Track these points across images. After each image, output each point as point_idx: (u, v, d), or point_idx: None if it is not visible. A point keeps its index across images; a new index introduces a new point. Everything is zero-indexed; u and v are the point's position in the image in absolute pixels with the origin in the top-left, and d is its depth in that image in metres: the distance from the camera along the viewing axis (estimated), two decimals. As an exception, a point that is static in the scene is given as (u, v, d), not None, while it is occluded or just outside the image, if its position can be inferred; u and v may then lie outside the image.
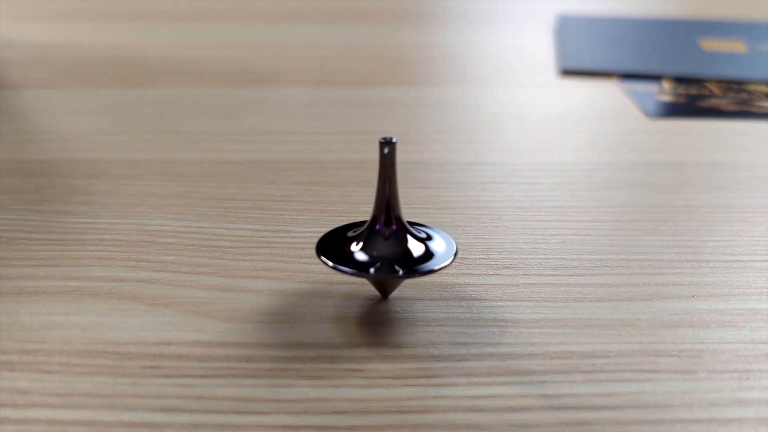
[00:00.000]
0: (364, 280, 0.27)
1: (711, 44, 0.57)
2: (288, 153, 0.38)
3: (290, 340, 0.24)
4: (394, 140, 0.24)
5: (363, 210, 0.32)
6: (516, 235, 0.30)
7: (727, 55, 0.54)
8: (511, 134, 0.41)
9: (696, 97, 0.47)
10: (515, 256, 0.29)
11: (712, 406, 0.22)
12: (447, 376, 0.23)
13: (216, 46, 0.56)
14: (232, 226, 0.31)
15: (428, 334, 0.25)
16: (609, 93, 0.47)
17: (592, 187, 0.35)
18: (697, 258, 0.29)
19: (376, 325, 0.25)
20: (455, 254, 0.25)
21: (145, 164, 0.36)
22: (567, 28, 0.61)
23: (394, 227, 0.25)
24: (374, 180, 0.35)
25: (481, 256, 0.29)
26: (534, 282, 0.27)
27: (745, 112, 0.44)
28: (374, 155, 0.38)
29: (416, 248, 0.25)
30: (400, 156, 0.37)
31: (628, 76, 0.51)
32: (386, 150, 0.24)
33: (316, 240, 0.30)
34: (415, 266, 0.24)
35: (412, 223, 0.26)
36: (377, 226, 0.25)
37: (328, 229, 0.31)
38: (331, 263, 0.24)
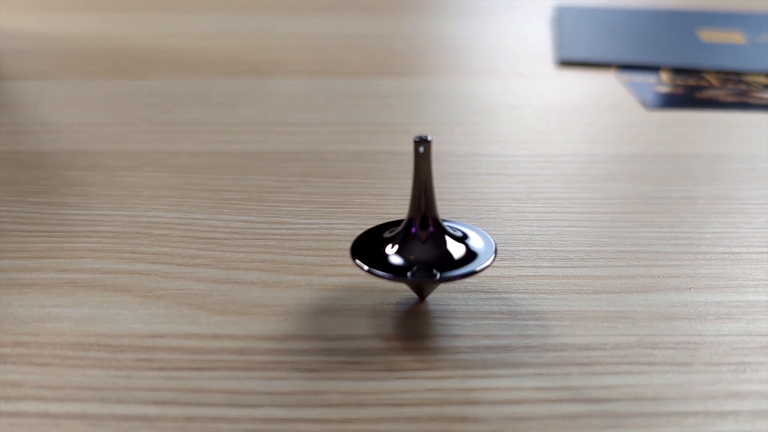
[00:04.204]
0: (362, 274, 0.27)
1: (709, 35, 0.57)
2: (284, 144, 0.38)
3: (284, 332, 0.24)
4: (429, 138, 0.23)
5: (359, 201, 0.32)
6: (512, 227, 0.30)
7: (726, 46, 0.54)
8: (509, 125, 0.40)
9: (694, 89, 0.46)
10: (511, 248, 0.29)
11: (708, 399, 0.22)
12: (442, 369, 0.23)
13: (213, 37, 0.56)
14: (227, 217, 0.31)
15: (423, 326, 0.24)
16: (607, 84, 0.47)
17: (590, 178, 0.34)
18: (695, 250, 0.29)
19: (370, 317, 0.25)
20: (495, 252, 0.24)
21: (141, 155, 0.36)
22: (565, 19, 0.61)
23: (431, 229, 0.24)
24: (371, 171, 0.35)
25: (478, 248, 0.29)
26: (530, 274, 0.27)
27: (743, 103, 0.44)
28: (371, 146, 0.37)
29: (455, 250, 0.24)
30: (397, 147, 0.37)
31: (626, 66, 0.50)
32: (421, 149, 0.23)
33: (311, 232, 0.30)
34: (454, 268, 0.23)
35: (445, 220, 0.26)
36: (413, 229, 0.24)
37: (325, 219, 0.31)
38: (366, 267, 0.23)
